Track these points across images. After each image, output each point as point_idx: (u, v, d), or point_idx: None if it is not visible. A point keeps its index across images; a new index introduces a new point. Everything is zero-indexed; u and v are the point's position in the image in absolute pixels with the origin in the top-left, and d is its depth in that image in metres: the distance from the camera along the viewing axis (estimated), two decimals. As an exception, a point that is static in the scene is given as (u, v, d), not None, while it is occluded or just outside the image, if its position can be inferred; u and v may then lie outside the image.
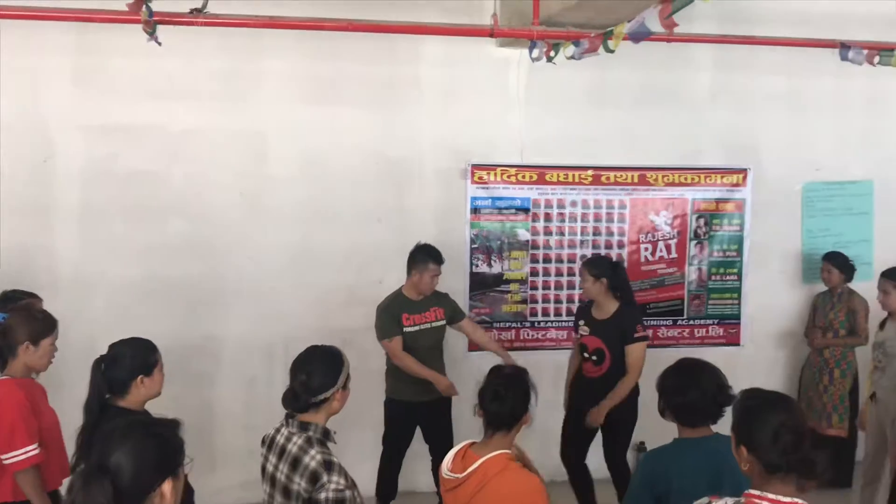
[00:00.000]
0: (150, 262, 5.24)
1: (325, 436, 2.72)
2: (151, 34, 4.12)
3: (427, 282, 4.88)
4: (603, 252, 5.86)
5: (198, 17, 4.19)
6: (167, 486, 1.92)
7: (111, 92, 5.11)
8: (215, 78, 5.25)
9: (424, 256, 4.88)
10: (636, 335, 4.79)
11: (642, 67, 5.70)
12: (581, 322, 5.01)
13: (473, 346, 5.64)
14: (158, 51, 4.36)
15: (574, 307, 5.87)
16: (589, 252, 5.85)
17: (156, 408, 3.59)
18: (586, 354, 4.92)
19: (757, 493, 2.22)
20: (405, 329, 4.90)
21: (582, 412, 4.88)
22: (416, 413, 4.98)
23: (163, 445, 1.96)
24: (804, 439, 2.22)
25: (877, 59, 4.68)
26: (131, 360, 3.13)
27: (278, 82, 5.35)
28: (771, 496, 2.19)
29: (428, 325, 4.98)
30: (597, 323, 4.89)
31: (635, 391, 4.84)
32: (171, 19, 4.18)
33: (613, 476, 5.02)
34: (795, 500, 2.20)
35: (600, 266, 4.92)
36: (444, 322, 5.05)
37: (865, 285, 5.73)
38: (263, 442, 2.87)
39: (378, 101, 5.48)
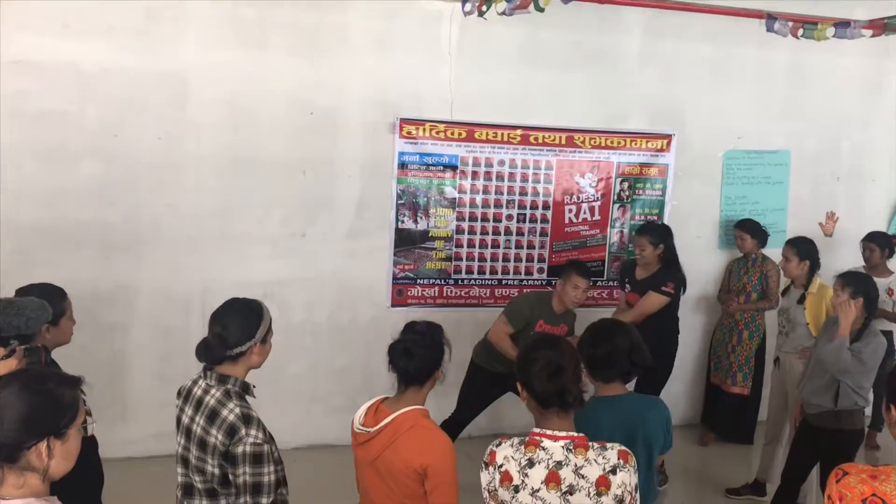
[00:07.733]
0: (60, 206, 5.01)
1: (245, 389, 2.67)
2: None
3: (569, 293, 4.85)
4: (528, 212, 5.90)
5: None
6: (43, 446, 1.85)
7: (22, 27, 4.79)
8: (136, 16, 4.99)
9: (571, 269, 4.94)
10: (663, 288, 5.22)
11: (573, 28, 5.68)
12: (626, 279, 5.53)
13: (397, 301, 5.65)
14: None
15: (498, 266, 5.93)
16: (515, 212, 5.89)
17: (63, 358, 3.47)
18: None
19: (538, 430, 2.40)
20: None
21: None
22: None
23: (40, 403, 1.87)
24: (563, 374, 2.38)
25: (800, 31, 4.77)
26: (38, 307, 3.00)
27: (202, 24, 5.11)
28: (549, 432, 2.38)
29: None
30: (637, 282, 5.41)
31: (674, 335, 5.41)
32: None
33: None
34: (571, 433, 2.38)
35: (659, 234, 5.36)
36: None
37: (778, 252, 5.91)
38: (179, 393, 2.80)
39: (306, 49, 5.31)
